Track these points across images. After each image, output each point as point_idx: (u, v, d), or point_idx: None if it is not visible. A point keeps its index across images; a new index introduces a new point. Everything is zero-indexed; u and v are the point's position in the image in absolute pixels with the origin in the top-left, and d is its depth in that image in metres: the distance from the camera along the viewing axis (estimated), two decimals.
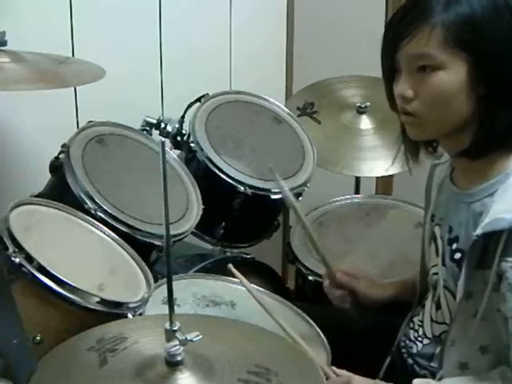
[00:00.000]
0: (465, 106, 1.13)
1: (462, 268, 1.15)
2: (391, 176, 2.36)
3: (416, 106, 1.16)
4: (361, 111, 2.14)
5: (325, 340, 1.41)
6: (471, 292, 1.14)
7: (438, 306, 1.29)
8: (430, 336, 1.32)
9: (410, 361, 1.35)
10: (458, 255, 1.21)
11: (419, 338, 1.35)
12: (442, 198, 1.33)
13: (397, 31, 1.16)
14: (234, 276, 1.46)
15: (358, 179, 2.24)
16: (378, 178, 2.50)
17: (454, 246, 1.22)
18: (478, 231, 1.08)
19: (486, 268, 1.10)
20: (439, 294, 1.29)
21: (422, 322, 1.36)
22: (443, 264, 1.27)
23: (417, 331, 1.36)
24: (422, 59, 1.13)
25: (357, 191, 2.24)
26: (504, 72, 1.11)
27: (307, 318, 1.49)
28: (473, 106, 1.13)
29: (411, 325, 1.39)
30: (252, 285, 1.51)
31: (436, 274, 1.31)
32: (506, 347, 1.11)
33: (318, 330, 1.45)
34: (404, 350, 1.38)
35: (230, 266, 1.45)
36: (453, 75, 1.12)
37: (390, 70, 1.20)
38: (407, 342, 1.38)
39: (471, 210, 1.18)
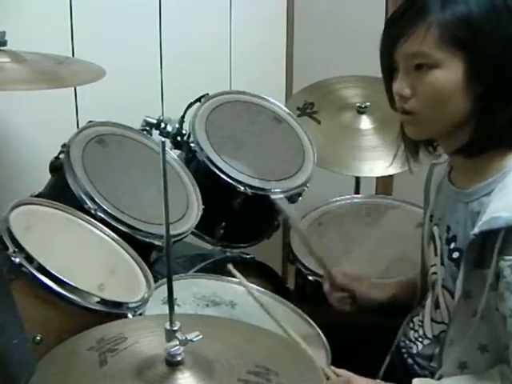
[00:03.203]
0: (462, 105, 1.13)
1: (460, 267, 1.15)
2: (391, 176, 2.36)
3: (413, 105, 1.17)
4: (361, 111, 2.14)
5: (325, 340, 1.41)
6: (469, 291, 1.14)
7: (437, 306, 1.30)
8: (430, 336, 1.32)
9: (410, 361, 1.35)
10: (456, 254, 1.21)
11: (419, 339, 1.35)
12: (440, 198, 1.33)
13: (394, 30, 1.16)
14: (233, 276, 1.47)
15: (358, 179, 2.24)
16: (378, 178, 2.50)
17: (452, 245, 1.23)
18: (476, 230, 1.09)
19: (484, 267, 1.10)
20: (438, 293, 1.29)
21: (422, 322, 1.36)
22: (442, 263, 1.27)
23: (417, 331, 1.36)
24: (418, 58, 1.13)
25: (357, 191, 2.24)
26: (501, 71, 1.11)
27: (307, 318, 1.49)
28: (470, 104, 1.13)
29: (411, 325, 1.39)
30: (251, 285, 1.52)
31: (435, 273, 1.31)
32: (505, 346, 1.11)
33: (318, 330, 1.45)
34: (404, 350, 1.38)
35: (230, 266, 1.45)
36: (449, 74, 1.12)
37: (389, 69, 1.20)
38: (407, 342, 1.38)
39: (469, 209, 1.18)
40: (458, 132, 1.17)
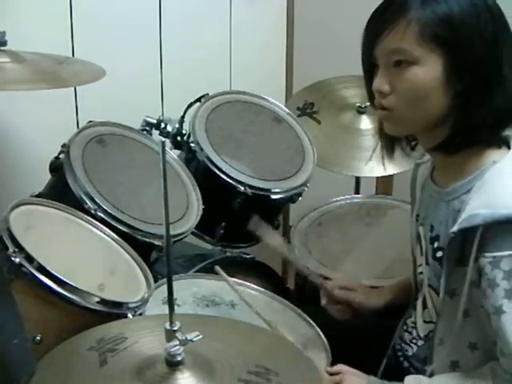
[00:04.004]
0: (441, 102, 1.14)
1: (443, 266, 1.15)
2: (391, 176, 2.36)
3: (392, 101, 1.17)
4: (361, 111, 2.14)
5: (325, 340, 1.41)
6: (454, 290, 1.14)
7: (425, 305, 1.30)
8: (422, 337, 1.32)
9: (405, 364, 1.35)
10: (439, 253, 1.21)
11: (413, 340, 1.35)
12: (424, 197, 1.33)
13: (375, 27, 1.17)
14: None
15: (357, 179, 2.24)
16: (377, 178, 2.50)
17: (436, 244, 1.23)
18: (454, 228, 1.09)
19: (466, 265, 1.10)
20: (425, 293, 1.29)
21: (414, 323, 1.36)
22: (427, 263, 1.27)
23: (411, 333, 1.36)
24: (397, 54, 1.14)
25: (357, 191, 2.24)
26: (480, 68, 1.11)
27: (307, 318, 1.49)
28: (449, 101, 1.13)
29: (405, 327, 1.39)
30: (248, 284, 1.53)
31: (421, 273, 1.31)
32: (494, 343, 1.11)
33: (318, 330, 1.45)
34: (400, 353, 1.38)
35: (218, 268, 1.46)
36: (428, 70, 1.12)
37: (370, 66, 1.21)
38: (403, 344, 1.38)
39: (450, 207, 1.18)
40: (437, 129, 1.17)
